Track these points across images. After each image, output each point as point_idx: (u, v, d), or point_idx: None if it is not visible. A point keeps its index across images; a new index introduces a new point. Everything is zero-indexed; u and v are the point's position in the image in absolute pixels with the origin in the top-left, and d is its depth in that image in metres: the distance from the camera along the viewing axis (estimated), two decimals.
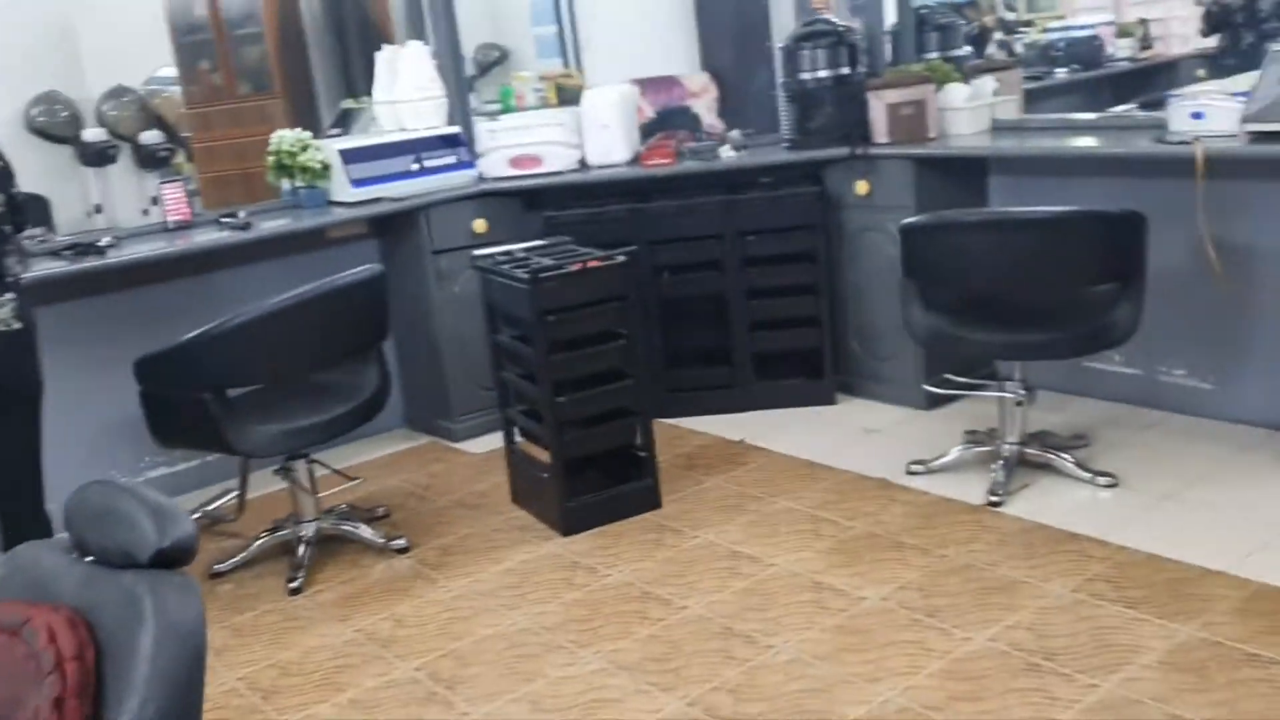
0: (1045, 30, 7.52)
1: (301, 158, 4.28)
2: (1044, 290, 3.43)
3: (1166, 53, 7.28)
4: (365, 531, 3.65)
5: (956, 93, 4.24)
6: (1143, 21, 7.32)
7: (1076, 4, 7.81)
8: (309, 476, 3.57)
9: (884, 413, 4.29)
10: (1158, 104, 5.60)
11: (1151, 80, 7.15)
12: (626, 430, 3.67)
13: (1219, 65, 6.77)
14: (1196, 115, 3.40)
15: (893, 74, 4.31)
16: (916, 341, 3.66)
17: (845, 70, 4.35)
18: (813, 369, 4.48)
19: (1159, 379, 3.98)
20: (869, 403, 4.41)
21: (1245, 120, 3.21)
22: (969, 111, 4.20)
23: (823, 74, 4.36)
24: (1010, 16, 9.03)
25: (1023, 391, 3.52)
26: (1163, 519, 3.20)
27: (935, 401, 4.23)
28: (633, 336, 3.59)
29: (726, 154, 4.49)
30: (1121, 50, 7.26)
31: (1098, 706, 2.42)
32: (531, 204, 4.58)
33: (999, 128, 4.27)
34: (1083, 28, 7.27)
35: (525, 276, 3.43)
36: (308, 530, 3.57)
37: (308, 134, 4.37)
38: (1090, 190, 3.98)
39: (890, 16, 4.59)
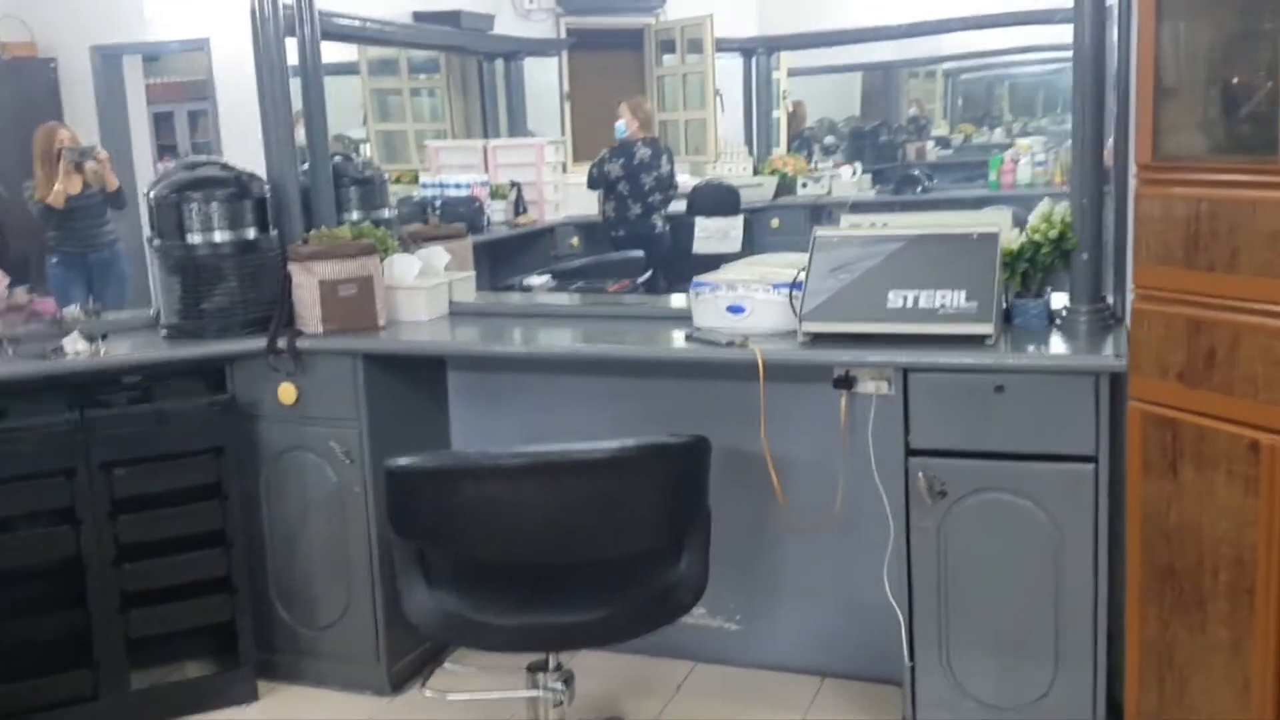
0: (419, 184, 6.85)
1: None
2: (600, 550, 2.50)
3: (542, 219, 6.96)
4: None
5: (405, 267, 3.25)
6: (514, 185, 6.95)
7: (438, 160, 7.25)
8: None
9: (334, 707, 3.06)
10: (574, 274, 5.16)
11: (532, 247, 6.78)
12: None
13: (605, 234, 6.61)
14: (736, 309, 2.77)
15: (321, 239, 3.19)
16: (424, 633, 2.53)
17: (253, 234, 3.17)
18: (224, 652, 3.12)
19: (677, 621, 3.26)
20: (310, 691, 3.15)
21: (805, 319, 2.62)
22: (425, 292, 3.23)
23: (220, 237, 3.13)
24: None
25: (561, 685, 2.56)
26: None
27: (401, 682, 3.11)
28: None
29: (75, 346, 3.02)
30: (497, 213, 6.81)
31: None
32: None
33: (459, 312, 3.36)
34: (458, 186, 6.69)
35: None
36: None
37: None
38: (580, 390, 3.21)
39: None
